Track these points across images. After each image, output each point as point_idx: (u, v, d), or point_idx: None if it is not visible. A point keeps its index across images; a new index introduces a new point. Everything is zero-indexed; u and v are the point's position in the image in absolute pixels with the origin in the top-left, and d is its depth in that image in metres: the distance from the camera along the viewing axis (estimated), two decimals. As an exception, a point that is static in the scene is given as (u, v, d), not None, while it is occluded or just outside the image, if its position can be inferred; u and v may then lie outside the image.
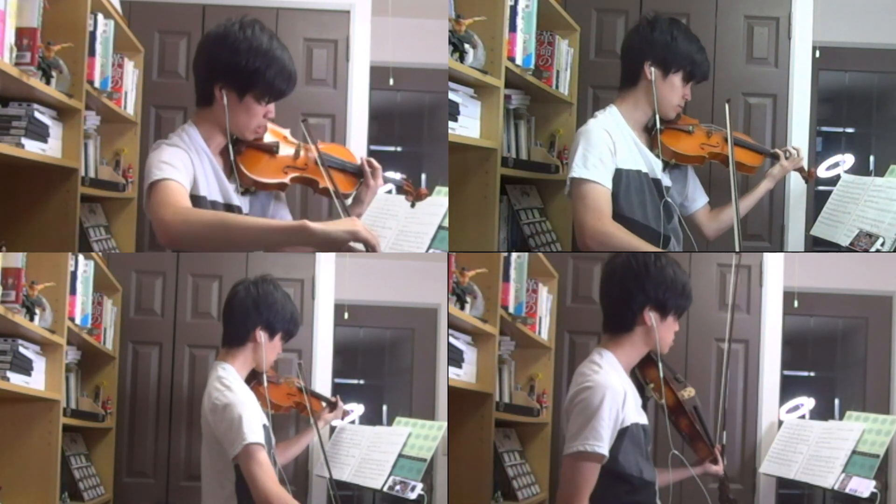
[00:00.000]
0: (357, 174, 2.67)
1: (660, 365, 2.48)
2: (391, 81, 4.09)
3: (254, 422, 2.61)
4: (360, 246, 2.31)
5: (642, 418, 2.38)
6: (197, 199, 2.43)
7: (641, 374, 2.51)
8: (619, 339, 2.43)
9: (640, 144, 2.88)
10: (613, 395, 2.27)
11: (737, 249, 2.85)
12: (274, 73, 2.45)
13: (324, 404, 3.51)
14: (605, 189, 2.76)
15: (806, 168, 3.19)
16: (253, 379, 2.85)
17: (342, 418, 3.60)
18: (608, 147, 2.78)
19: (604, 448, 2.25)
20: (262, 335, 2.77)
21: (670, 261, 2.47)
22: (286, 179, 2.56)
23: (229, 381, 2.69)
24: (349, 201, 2.71)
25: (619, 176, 2.80)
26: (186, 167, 2.41)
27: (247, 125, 2.50)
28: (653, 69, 2.84)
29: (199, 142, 2.49)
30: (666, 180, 2.93)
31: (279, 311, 2.79)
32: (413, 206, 2.84)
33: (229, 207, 2.50)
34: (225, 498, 2.65)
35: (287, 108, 2.65)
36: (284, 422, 3.98)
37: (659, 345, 2.43)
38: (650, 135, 2.91)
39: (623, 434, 2.29)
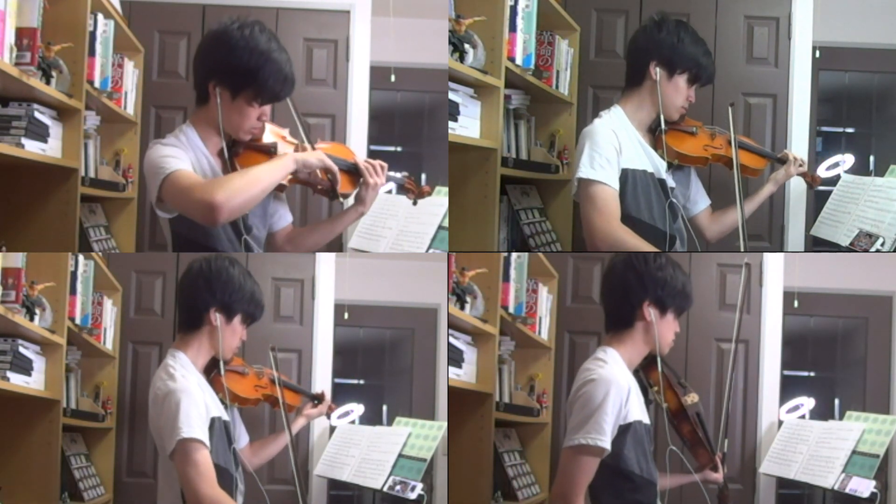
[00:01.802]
0: (357, 172, 2.66)
1: (659, 362, 2.48)
2: (392, 78, 4.07)
3: (193, 415, 2.42)
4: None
5: (645, 417, 2.39)
6: None
7: (646, 376, 2.52)
8: (620, 336, 2.45)
9: (644, 144, 2.88)
10: (618, 389, 2.28)
11: (742, 250, 2.85)
12: (268, 74, 2.43)
13: (305, 399, 3.14)
14: (613, 190, 2.77)
15: (810, 174, 3.19)
16: (214, 368, 2.66)
17: (328, 415, 3.28)
18: (614, 147, 2.79)
19: (605, 442, 2.26)
20: (217, 317, 2.58)
21: (671, 260, 2.49)
22: (285, 180, 2.56)
23: (174, 369, 2.51)
24: (350, 200, 2.71)
25: (626, 176, 2.80)
26: (187, 158, 2.41)
27: (239, 125, 2.49)
28: (658, 69, 2.84)
29: (197, 142, 2.49)
30: (670, 181, 2.93)
31: (235, 290, 2.59)
32: (415, 203, 2.82)
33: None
34: (172, 499, 2.51)
35: (286, 107, 2.65)
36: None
37: (658, 342, 2.44)
38: (654, 135, 2.91)
39: (626, 430, 2.30)
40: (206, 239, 2.48)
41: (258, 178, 2.37)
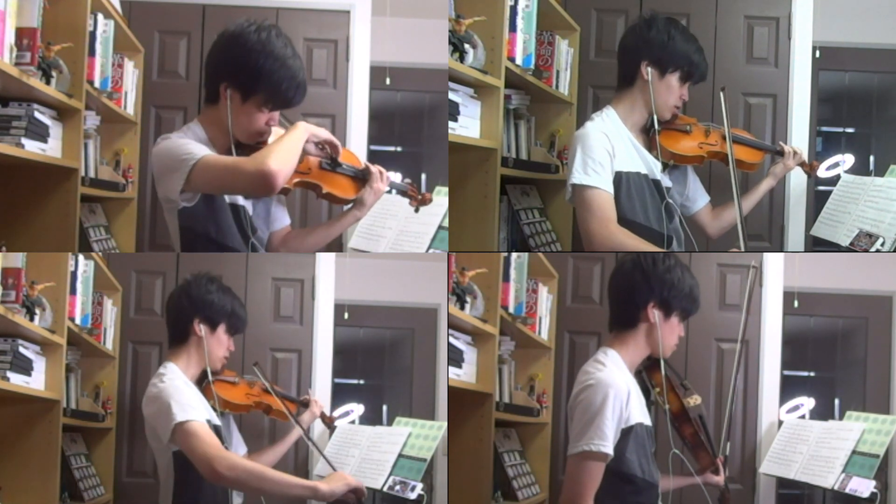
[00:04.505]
0: (361, 179, 2.66)
1: (662, 365, 2.47)
2: (388, 81, 4.09)
3: (184, 402, 2.53)
4: None
5: (647, 419, 2.38)
6: (205, 198, 2.44)
7: (648, 377, 2.51)
8: (623, 337, 2.43)
9: (637, 146, 2.86)
10: (616, 392, 2.27)
11: (742, 249, 2.84)
12: (282, 80, 2.42)
13: (300, 407, 3.20)
14: (608, 194, 2.75)
15: (808, 162, 3.20)
16: (204, 380, 2.78)
17: (330, 427, 3.38)
18: (606, 150, 2.77)
19: (608, 447, 2.25)
20: (202, 328, 2.71)
21: (679, 262, 2.47)
22: (290, 184, 2.56)
23: (164, 374, 2.64)
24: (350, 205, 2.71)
25: (619, 178, 2.79)
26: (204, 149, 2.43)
27: (247, 129, 2.48)
28: (649, 69, 2.82)
29: (205, 141, 2.49)
30: (666, 181, 2.91)
31: (216, 303, 2.73)
32: (417, 210, 2.85)
33: (235, 208, 2.51)
34: (164, 497, 2.61)
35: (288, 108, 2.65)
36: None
37: (661, 344, 2.42)
38: (648, 136, 2.90)
39: (628, 433, 2.29)
40: (218, 233, 2.50)
41: (293, 146, 2.42)
